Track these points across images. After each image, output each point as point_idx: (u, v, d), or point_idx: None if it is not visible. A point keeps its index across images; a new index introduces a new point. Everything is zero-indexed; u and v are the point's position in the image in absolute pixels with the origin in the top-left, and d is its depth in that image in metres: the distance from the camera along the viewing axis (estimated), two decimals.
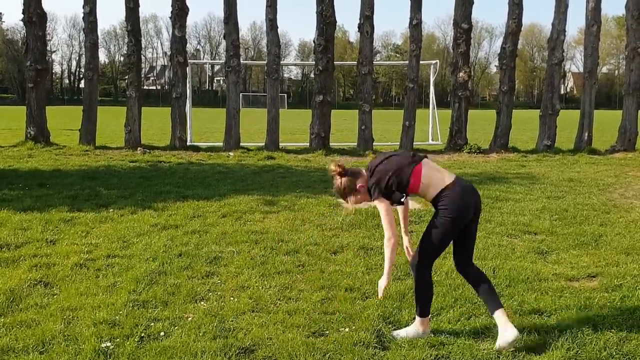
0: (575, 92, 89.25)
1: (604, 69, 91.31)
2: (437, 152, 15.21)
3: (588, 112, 15.78)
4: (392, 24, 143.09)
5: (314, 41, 15.52)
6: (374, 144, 15.64)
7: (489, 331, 3.71)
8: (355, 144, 15.85)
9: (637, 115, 15.77)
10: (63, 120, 29.70)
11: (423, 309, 3.64)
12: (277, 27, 15.31)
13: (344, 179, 3.60)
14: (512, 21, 15.40)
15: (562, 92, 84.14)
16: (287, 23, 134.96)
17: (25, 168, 11.13)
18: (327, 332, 3.73)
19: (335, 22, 15.26)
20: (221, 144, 15.52)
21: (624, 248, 5.62)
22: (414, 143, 15.85)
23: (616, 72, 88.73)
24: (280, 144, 15.64)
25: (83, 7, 14.96)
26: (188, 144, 15.76)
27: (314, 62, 15.72)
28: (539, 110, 16.06)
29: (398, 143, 15.99)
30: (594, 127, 16.09)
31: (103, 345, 3.48)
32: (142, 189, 8.85)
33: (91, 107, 15.12)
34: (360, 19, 15.32)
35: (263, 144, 15.54)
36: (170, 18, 15.24)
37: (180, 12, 15.05)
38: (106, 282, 4.64)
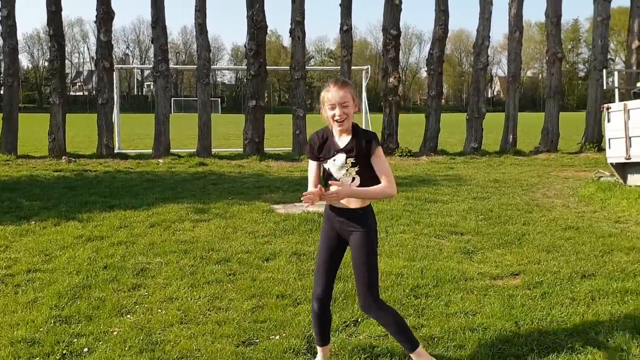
0: (502, 95, 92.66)
1: (529, 73, 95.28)
2: None
3: (512, 115, 16.41)
4: (325, 29, 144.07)
5: (245, 46, 15.42)
6: None
7: (417, 331, 3.78)
8: (291, 148, 15.85)
9: (559, 118, 16.53)
10: None
11: (410, 340, 3.18)
12: (207, 32, 15.11)
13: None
14: (439, 27, 15.82)
15: (489, 95, 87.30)
16: (219, 27, 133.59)
17: None
18: (258, 340, 3.69)
19: (266, 26, 15.23)
20: (151, 151, 15.16)
21: (545, 246, 5.85)
22: None
23: (540, 75, 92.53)
24: (213, 149, 15.43)
25: (0, 10, 14.28)
26: (116, 151, 15.31)
27: (246, 67, 15.63)
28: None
29: None
30: (519, 130, 16.74)
31: None
32: (66, 200, 8.52)
33: (11, 115, 14.43)
34: (291, 24, 15.36)
35: (195, 150, 15.29)
36: (95, 22, 14.77)
37: (105, 16, 14.61)
38: (26, 298, 4.44)
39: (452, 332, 3.75)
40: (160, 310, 4.20)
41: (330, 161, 3.11)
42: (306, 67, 16.67)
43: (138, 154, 15.27)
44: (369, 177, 3.09)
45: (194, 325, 3.94)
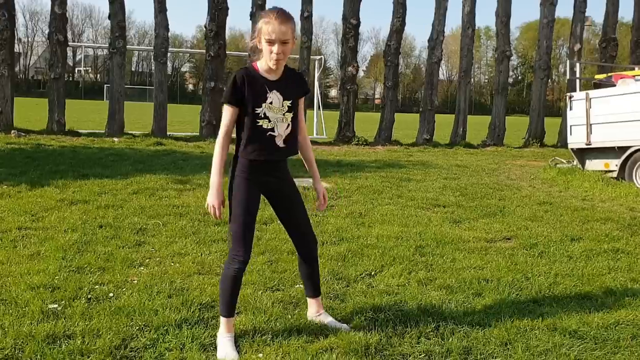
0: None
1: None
2: (326, 144, 15.48)
3: (463, 108, 16.97)
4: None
5: (205, 27, 15.21)
6: None
7: (431, 282, 3.92)
8: None
9: (505, 113, 17.21)
10: None
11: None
12: (166, 10, 14.81)
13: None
14: (397, 20, 16.15)
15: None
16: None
17: None
18: (283, 288, 3.74)
19: (227, 8, 15.05)
20: (103, 130, 14.70)
21: (527, 216, 6.16)
22: None
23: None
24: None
25: None
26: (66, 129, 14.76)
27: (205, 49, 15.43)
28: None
29: None
30: (469, 127, 17.27)
31: (50, 306, 3.25)
32: (33, 168, 8.20)
33: None
34: (252, 8, 15.27)
35: (149, 131, 14.94)
36: None
37: None
38: (28, 251, 4.31)
39: (468, 282, 3.91)
40: (173, 263, 4.18)
41: (266, 104, 2.81)
42: None
43: (90, 133, 14.75)
44: (297, 122, 2.96)
45: (214, 275, 3.94)
